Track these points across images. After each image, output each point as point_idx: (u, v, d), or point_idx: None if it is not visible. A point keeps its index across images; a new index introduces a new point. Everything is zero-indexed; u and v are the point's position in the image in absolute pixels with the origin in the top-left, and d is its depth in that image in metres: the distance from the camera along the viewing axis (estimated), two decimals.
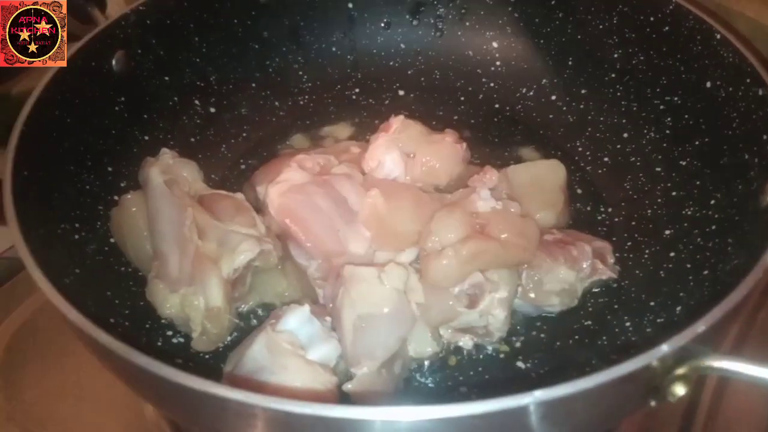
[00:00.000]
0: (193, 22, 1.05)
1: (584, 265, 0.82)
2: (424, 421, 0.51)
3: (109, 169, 0.93)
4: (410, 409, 0.51)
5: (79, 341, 0.65)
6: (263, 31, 1.13)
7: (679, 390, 0.53)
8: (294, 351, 0.70)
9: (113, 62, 0.94)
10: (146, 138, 0.99)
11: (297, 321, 0.73)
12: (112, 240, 0.87)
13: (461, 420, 0.49)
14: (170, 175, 0.86)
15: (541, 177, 0.92)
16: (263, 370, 0.69)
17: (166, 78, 1.03)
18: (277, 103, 1.13)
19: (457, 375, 0.80)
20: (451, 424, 0.50)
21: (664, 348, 0.51)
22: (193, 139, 1.05)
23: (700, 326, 0.53)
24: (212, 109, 1.08)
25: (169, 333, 0.81)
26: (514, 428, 0.53)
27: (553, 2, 1.10)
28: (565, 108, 1.09)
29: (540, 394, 0.50)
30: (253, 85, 1.13)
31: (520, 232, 0.80)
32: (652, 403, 0.55)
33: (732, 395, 0.83)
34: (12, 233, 0.67)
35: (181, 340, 0.81)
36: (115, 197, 0.91)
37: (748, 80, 0.83)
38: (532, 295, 0.81)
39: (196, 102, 1.07)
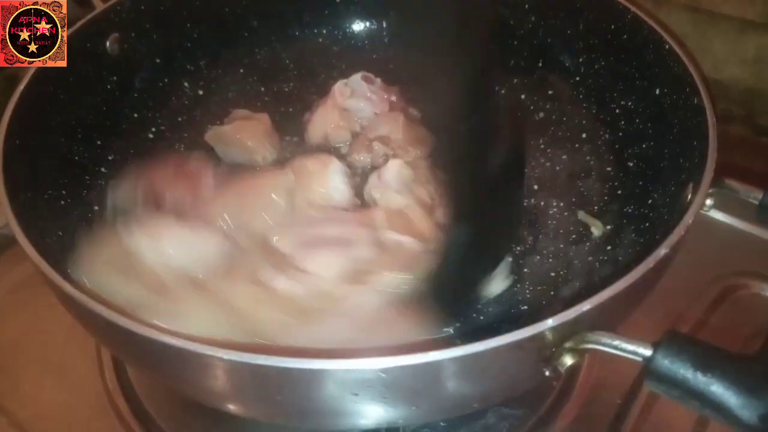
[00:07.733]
0: (186, 9, 1.12)
1: None
2: None
3: (98, 142, 1.01)
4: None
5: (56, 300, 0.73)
6: (254, 20, 1.20)
7: (567, 360, 0.60)
8: None
9: (107, 44, 1.02)
10: (135, 115, 1.08)
11: None
12: (95, 208, 0.95)
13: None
14: None
15: None
16: None
17: (158, 60, 1.11)
18: (262, 89, 1.19)
19: None
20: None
21: (550, 322, 0.58)
22: (180, 119, 1.12)
23: (585, 305, 0.60)
24: (200, 92, 1.16)
25: None
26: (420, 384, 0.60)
27: (527, 6, 1.17)
28: (532, 107, 1.15)
29: (452, 352, 0.56)
30: (241, 71, 1.20)
31: None
32: (546, 373, 0.62)
33: None
34: None
35: None
36: (102, 169, 1.00)
37: (687, 89, 0.89)
38: None
39: (186, 84, 1.15)
